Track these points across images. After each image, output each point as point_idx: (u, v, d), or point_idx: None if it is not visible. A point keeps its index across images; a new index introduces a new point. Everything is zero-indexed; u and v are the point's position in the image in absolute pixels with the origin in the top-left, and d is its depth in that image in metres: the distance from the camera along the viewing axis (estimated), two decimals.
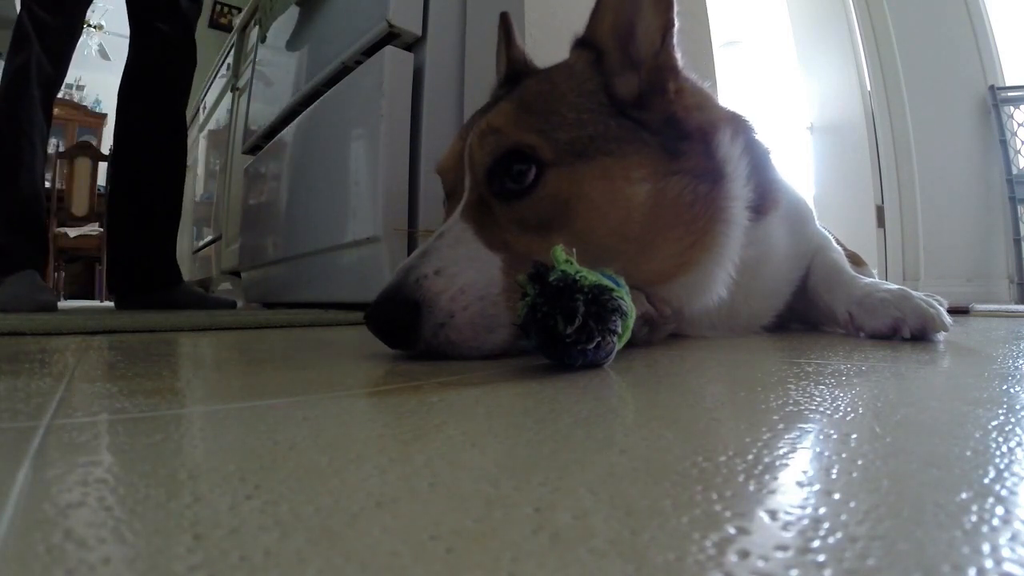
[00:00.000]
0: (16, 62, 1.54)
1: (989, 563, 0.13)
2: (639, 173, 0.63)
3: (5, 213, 1.54)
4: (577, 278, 0.44)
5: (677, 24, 0.67)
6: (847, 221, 3.21)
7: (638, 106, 0.66)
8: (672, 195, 0.63)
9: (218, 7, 5.71)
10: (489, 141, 0.62)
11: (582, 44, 0.70)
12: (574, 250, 0.47)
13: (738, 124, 0.75)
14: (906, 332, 0.65)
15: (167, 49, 1.80)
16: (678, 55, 0.68)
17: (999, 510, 0.16)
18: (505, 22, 0.87)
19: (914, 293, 0.69)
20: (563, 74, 0.68)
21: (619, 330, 0.46)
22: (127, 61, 1.83)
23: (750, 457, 0.22)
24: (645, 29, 0.67)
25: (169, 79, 1.83)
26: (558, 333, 0.43)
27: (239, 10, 4.97)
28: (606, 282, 0.46)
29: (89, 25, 4.63)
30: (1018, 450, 0.22)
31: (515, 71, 0.81)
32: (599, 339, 0.44)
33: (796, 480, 0.20)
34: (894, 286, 0.72)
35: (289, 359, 0.57)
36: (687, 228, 0.64)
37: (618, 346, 0.47)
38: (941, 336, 0.66)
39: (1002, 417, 0.28)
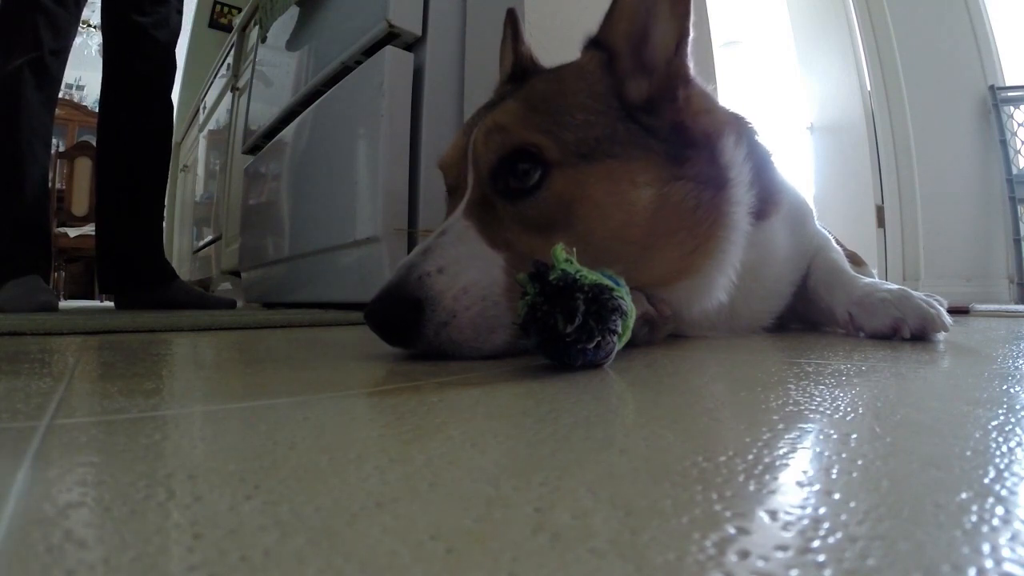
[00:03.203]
0: (13, 64, 1.51)
1: (989, 563, 0.13)
2: (644, 177, 0.62)
3: (10, 221, 1.54)
4: (577, 277, 0.44)
5: (692, 33, 0.66)
6: (847, 221, 3.22)
7: (647, 111, 0.65)
8: (675, 200, 0.63)
9: (218, 7, 5.70)
10: (495, 139, 0.62)
11: (594, 45, 0.69)
12: (574, 249, 0.47)
13: (741, 127, 0.75)
14: (906, 332, 0.65)
15: (147, 50, 1.77)
16: (690, 63, 0.67)
17: (999, 510, 0.16)
18: (512, 18, 0.86)
19: (914, 293, 0.69)
20: (573, 74, 0.67)
21: (619, 330, 0.45)
22: (104, 68, 1.79)
23: (750, 457, 0.22)
24: (660, 35, 0.66)
25: (151, 81, 1.81)
26: (558, 332, 0.43)
27: (239, 10, 4.97)
28: (606, 281, 0.46)
29: (89, 25, 4.62)
30: (1018, 450, 0.22)
31: (521, 68, 0.80)
32: (599, 339, 0.44)
33: (796, 480, 0.20)
34: (894, 286, 0.72)
35: (289, 359, 0.57)
36: (689, 233, 0.64)
37: (618, 346, 0.47)
38: (941, 336, 0.66)
39: (1002, 417, 0.28)
